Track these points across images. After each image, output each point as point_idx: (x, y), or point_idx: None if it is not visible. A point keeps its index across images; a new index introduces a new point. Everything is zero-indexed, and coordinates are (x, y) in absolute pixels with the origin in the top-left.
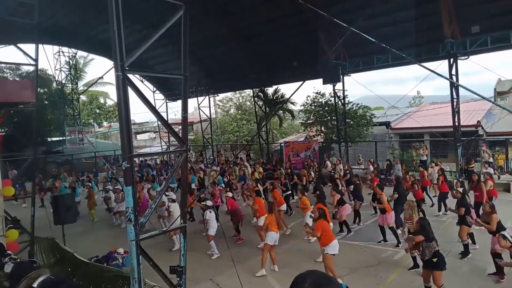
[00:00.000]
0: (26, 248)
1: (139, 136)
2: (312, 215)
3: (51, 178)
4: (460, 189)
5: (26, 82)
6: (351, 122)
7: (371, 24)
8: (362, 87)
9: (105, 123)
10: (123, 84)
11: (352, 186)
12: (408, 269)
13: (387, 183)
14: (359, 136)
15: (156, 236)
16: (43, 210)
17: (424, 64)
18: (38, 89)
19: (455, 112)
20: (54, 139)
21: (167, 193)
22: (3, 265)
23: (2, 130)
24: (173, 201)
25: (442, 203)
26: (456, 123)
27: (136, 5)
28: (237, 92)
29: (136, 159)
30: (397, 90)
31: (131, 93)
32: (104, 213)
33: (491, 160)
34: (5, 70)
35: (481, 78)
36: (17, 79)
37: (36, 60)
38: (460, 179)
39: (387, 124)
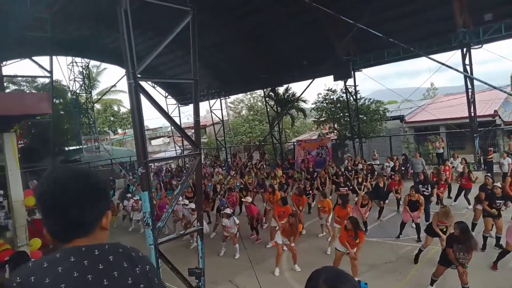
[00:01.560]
0: None
1: (153, 142)
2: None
3: None
4: (499, 184)
5: (42, 94)
6: (364, 118)
7: (380, 18)
8: (374, 81)
9: (119, 130)
10: (135, 92)
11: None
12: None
13: (404, 178)
14: (373, 131)
15: (174, 240)
16: None
17: (436, 55)
18: (54, 100)
19: (471, 102)
20: (71, 148)
21: (185, 204)
22: None
23: (21, 142)
24: (194, 210)
25: (465, 198)
26: (472, 114)
27: (146, 13)
28: (248, 93)
29: (152, 165)
30: (411, 83)
31: (143, 99)
32: (123, 219)
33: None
34: (22, 83)
35: (498, 66)
36: (34, 91)
37: (50, 72)
38: (489, 174)
39: (401, 118)
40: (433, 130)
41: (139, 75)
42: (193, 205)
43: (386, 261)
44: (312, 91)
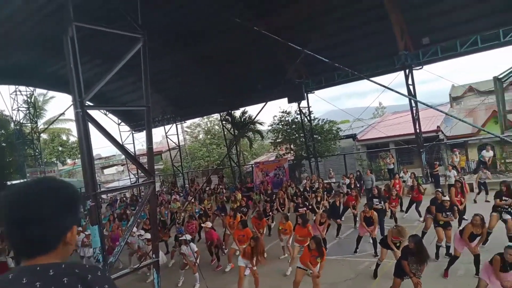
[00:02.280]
0: None
1: (106, 171)
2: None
3: None
4: (447, 197)
5: None
6: (319, 138)
7: (328, 43)
8: (326, 102)
9: (69, 160)
10: (83, 121)
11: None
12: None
13: (360, 194)
14: (328, 150)
15: (130, 274)
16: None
17: (383, 76)
18: None
19: (415, 120)
20: (14, 182)
21: (140, 234)
22: None
23: None
24: (149, 241)
25: (417, 210)
26: (418, 130)
27: (95, 40)
28: (205, 117)
29: (105, 196)
30: (361, 103)
31: (92, 127)
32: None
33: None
34: None
35: (438, 85)
36: None
37: None
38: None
39: (353, 137)
40: (383, 146)
41: (88, 103)
42: (148, 235)
43: (346, 278)
44: (269, 113)
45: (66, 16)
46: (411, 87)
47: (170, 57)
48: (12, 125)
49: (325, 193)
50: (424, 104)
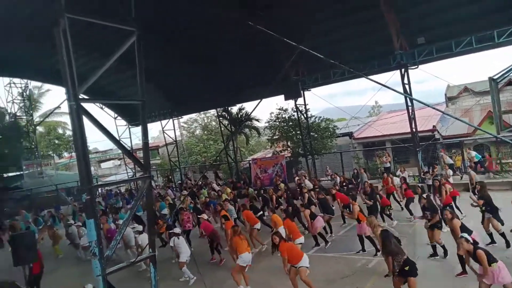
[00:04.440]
0: None
1: (103, 164)
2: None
3: (9, 217)
4: (424, 195)
5: None
6: (315, 135)
7: (325, 40)
8: (323, 100)
9: (65, 154)
10: (77, 114)
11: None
12: (384, 275)
13: (357, 192)
14: (324, 148)
15: (127, 268)
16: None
17: (379, 75)
18: None
19: (412, 119)
20: (10, 174)
21: (132, 225)
22: None
23: None
24: (140, 232)
25: (407, 208)
26: (414, 129)
27: (91, 34)
28: (202, 112)
29: (100, 189)
30: (357, 101)
31: (87, 121)
32: (69, 249)
33: (451, 162)
34: None
35: (434, 84)
36: None
37: None
38: (420, 185)
39: (349, 135)
40: (380, 145)
41: (82, 97)
42: (140, 227)
43: (342, 275)
44: (266, 110)
45: (58, 7)
46: (407, 86)
47: (167, 53)
48: (7, 117)
49: (317, 190)
50: (421, 102)
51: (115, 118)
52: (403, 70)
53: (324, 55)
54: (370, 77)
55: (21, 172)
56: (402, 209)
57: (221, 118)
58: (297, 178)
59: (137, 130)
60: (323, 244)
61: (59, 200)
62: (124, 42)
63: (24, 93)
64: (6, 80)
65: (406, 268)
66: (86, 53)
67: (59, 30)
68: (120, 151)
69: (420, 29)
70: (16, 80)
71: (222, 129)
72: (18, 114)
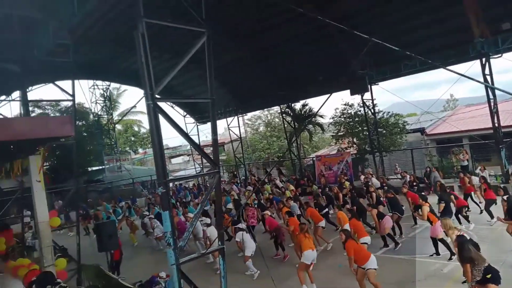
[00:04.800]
0: (74, 276)
1: (173, 160)
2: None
3: (92, 208)
4: (505, 197)
5: (65, 117)
6: (384, 131)
7: (395, 31)
8: (391, 94)
9: (140, 150)
10: (154, 112)
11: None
12: (461, 282)
13: (429, 192)
14: (393, 145)
15: (197, 259)
16: (87, 238)
17: (455, 66)
18: (77, 122)
19: (494, 113)
20: (94, 168)
21: (200, 218)
22: None
23: (46, 164)
24: (208, 225)
25: (487, 211)
26: (496, 124)
27: (162, 36)
28: (265, 109)
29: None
30: (429, 95)
31: (162, 119)
32: (143, 238)
33: None
34: (46, 107)
35: None
36: (57, 114)
37: (73, 95)
38: (502, 186)
39: (421, 131)
40: (456, 142)
41: (157, 96)
42: (208, 220)
43: (413, 279)
44: (329, 105)
45: (137, 13)
46: (488, 77)
47: (232, 51)
48: (91, 116)
49: (385, 189)
50: (508, 93)
51: (184, 116)
52: (483, 59)
53: (394, 47)
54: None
55: (103, 167)
56: (482, 211)
57: (284, 115)
58: (362, 176)
59: (203, 128)
60: (392, 245)
61: (135, 193)
62: (195, 43)
63: (105, 94)
64: (90, 82)
65: (488, 276)
66: (158, 55)
67: (138, 34)
68: (188, 148)
69: (505, 13)
70: (99, 82)
71: (285, 125)
72: (100, 113)
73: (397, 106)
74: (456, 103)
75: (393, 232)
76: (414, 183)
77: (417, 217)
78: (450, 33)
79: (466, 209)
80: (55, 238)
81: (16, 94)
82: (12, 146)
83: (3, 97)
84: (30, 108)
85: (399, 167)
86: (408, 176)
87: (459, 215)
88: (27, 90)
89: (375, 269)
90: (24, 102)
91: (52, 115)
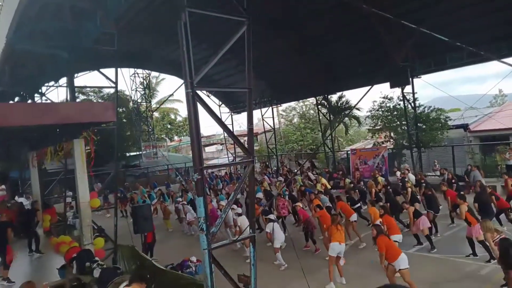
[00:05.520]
0: (110, 255)
1: (207, 149)
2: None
3: (129, 191)
4: None
5: (108, 103)
6: (423, 126)
7: (442, 21)
8: (434, 88)
9: (176, 137)
10: (193, 100)
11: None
12: (500, 286)
13: (469, 191)
14: (433, 140)
15: (227, 246)
16: (124, 220)
17: (505, 59)
18: (118, 109)
19: None
20: (132, 154)
21: (233, 208)
22: (92, 270)
23: (88, 148)
24: (239, 215)
25: None
26: None
27: (201, 25)
28: (300, 101)
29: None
30: (475, 89)
31: (200, 107)
32: (176, 223)
33: None
34: (90, 93)
35: None
36: (100, 101)
37: (116, 82)
38: None
39: (465, 127)
40: (502, 139)
41: (196, 85)
42: (239, 210)
43: (448, 279)
44: (366, 98)
45: (180, 2)
46: None
47: (271, 41)
48: (130, 103)
49: (423, 185)
50: None
51: (219, 106)
52: None
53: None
54: (496, 62)
55: (140, 152)
56: None
57: (319, 107)
58: (398, 172)
59: (237, 117)
60: (426, 243)
61: (169, 178)
62: (235, 32)
63: (145, 82)
64: (131, 70)
65: None
66: (197, 44)
67: (181, 23)
68: (222, 137)
69: None
70: (139, 70)
71: (320, 117)
72: (139, 101)
73: (440, 100)
74: (505, 99)
75: (429, 231)
76: (453, 181)
77: (454, 217)
78: (502, 25)
79: (510, 210)
80: (93, 219)
81: (63, 81)
82: (58, 130)
83: (52, 82)
84: (75, 94)
85: (438, 164)
86: (446, 174)
87: (507, 217)
88: (74, 76)
89: (406, 268)
90: (71, 88)
91: (94, 101)
